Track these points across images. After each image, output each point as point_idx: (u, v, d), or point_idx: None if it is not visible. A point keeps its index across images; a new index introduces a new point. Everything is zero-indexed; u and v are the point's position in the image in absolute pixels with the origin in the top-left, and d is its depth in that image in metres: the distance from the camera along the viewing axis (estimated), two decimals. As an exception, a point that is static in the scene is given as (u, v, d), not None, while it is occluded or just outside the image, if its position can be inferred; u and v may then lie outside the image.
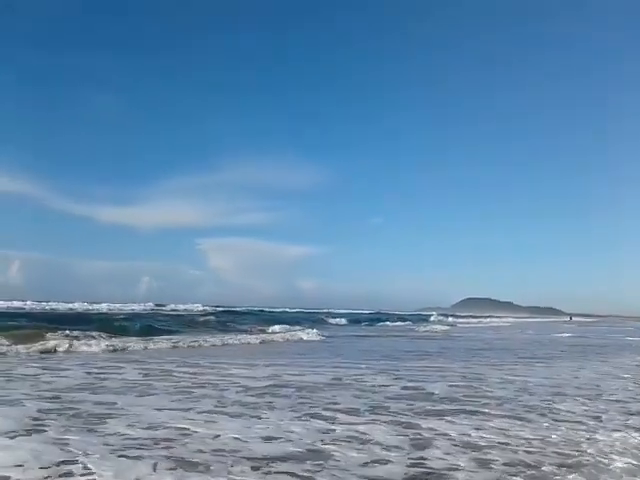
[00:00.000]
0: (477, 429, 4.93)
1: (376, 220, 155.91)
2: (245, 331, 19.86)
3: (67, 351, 11.54)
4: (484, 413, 5.70)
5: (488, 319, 63.04)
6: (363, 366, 9.80)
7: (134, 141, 66.56)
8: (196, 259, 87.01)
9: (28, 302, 40.35)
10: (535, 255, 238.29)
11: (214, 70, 67.53)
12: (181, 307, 40.83)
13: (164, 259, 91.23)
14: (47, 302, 42.28)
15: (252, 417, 5.24)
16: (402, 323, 37.97)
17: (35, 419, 4.89)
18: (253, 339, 16.36)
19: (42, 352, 11.04)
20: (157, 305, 43.45)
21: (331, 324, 32.26)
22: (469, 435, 4.73)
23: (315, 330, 20.04)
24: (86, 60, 60.34)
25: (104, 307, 37.81)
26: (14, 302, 38.32)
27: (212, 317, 26.58)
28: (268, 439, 4.43)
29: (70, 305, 39.94)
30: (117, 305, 40.89)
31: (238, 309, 46.15)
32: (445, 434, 4.73)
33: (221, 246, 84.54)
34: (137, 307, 39.95)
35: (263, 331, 20.16)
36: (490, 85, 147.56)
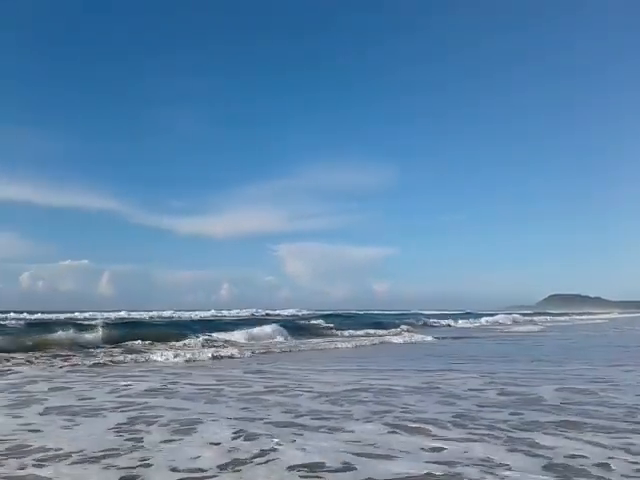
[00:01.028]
0: (624, 449, 4.11)
1: (451, 218, 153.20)
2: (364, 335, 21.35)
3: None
4: (616, 429, 4.82)
5: (581, 316, 61.02)
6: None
7: (207, 153, 71.02)
8: (272, 265, 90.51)
9: (122, 312, 41.14)
10: (623, 248, 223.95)
11: (279, 75, 70.19)
12: (278, 312, 43.10)
13: (241, 266, 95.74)
14: (137, 311, 42.96)
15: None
16: (495, 323, 38.25)
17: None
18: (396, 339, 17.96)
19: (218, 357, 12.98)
20: (247, 310, 45.38)
21: (434, 325, 32.99)
22: (613, 458, 3.92)
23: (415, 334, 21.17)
24: (164, 75, 64.64)
25: (208, 314, 40.10)
26: (120, 312, 39.47)
27: (321, 321, 28.00)
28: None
29: (164, 313, 40.54)
30: (223, 312, 43.32)
31: (326, 312, 47.72)
32: (581, 456, 3.98)
33: (295, 251, 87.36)
34: (230, 313, 42.23)
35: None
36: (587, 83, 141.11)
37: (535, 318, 48.22)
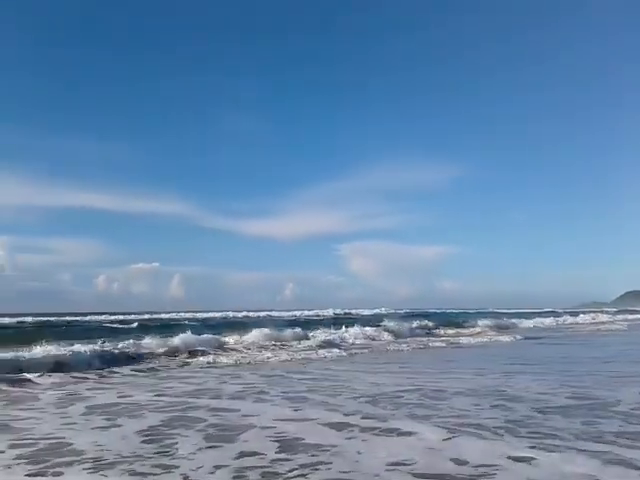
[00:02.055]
0: None
1: (518, 215, 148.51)
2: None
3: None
4: None
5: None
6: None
7: (270, 156, 73.29)
8: (335, 265, 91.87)
9: (198, 313, 42.11)
10: None
11: (341, 75, 71.16)
12: (358, 312, 44.45)
13: (305, 266, 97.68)
14: (206, 312, 44.79)
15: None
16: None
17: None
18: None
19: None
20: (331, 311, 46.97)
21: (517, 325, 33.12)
22: None
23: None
24: (223, 79, 67.27)
25: (286, 315, 41.18)
26: (185, 313, 40.91)
27: (426, 321, 28.14)
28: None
29: (238, 314, 41.92)
30: (301, 312, 44.81)
31: (402, 310, 48.44)
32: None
33: (358, 251, 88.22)
34: (310, 313, 43.36)
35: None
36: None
37: (617, 317, 46.94)
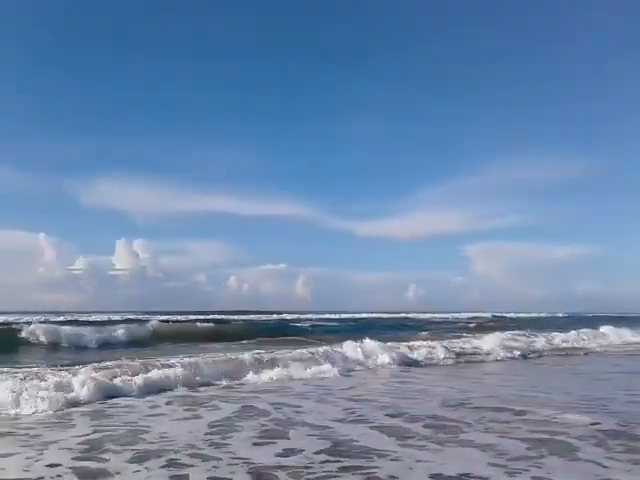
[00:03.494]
0: None
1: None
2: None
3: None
4: None
5: None
6: None
7: (389, 155, 72.78)
8: (459, 266, 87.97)
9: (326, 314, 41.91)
10: None
11: (461, 68, 68.57)
12: (512, 315, 43.03)
13: (427, 267, 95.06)
14: (329, 313, 44.88)
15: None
16: None
17: None
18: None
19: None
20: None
21: None
22: None
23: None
24: (343, 81, 68.06)
25: (428, 316, 40.98)
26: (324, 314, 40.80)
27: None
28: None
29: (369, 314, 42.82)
30: (451, 315, 44.23)
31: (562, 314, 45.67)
32: None
33: (484, 251, 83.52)
34: (460, 316, 42.54)
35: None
36: None
37: None
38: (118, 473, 4.22)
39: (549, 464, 4.34)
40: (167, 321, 23.83)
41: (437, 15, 64.30)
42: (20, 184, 62.57)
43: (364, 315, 42.09)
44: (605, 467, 4.26)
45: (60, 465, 4.44)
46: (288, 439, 5.31)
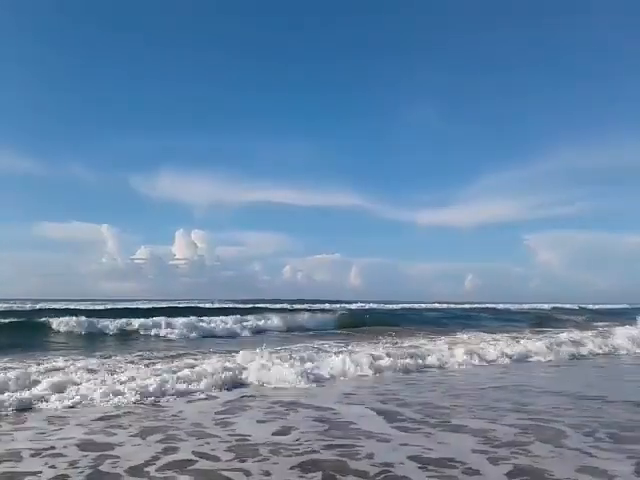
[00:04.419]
0: None
1: None
2: None
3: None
4: None
5: None
6: None
7: (448, 144, 71.24)
8: (520, 255, 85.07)
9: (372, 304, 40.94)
10: None
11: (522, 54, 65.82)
12: (591, 306, 42.04)
13: (487, 257, 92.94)
14: (388, 303, 44.58)
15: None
16: None
17: None
18: None
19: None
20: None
21: None
22: None
23: None
24: (402, 71, 67.27)
25: (500, 306, 40.92)
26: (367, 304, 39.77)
27: None
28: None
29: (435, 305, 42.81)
30: (524, 306, 44.00)
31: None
32: None
33: (547, 240, 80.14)
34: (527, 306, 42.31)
35: None
36: None
37: None
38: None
39: None
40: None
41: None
42: (87, 179, 67.86)
43: (428, 305, 42.17)
44: None
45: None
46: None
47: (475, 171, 79.18)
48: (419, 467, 4.26)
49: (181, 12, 63.47)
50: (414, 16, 63.38)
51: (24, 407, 6.37)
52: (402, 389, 8.02)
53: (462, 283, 75.67)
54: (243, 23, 64.52)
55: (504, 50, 64.22)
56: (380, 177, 78.16)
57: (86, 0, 59.61)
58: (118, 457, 4.54)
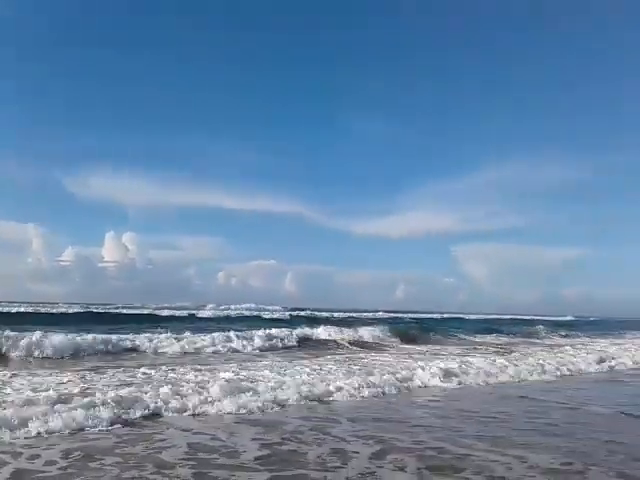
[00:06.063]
0: None
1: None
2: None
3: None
4: None
5: None
6: None
7: (382, 155, 72.64)
8: (450, 266, 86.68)
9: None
10: None
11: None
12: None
13: (418, 267, 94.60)
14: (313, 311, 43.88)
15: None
16: None
17: None
18: None
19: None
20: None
21: None
22: None
23: None
24: (351, 80, 68.08)
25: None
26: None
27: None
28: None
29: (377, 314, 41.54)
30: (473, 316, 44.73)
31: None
32: None
33: (474, 252, 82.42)
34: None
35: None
36: None
37: None
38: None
39: None
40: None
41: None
42: (12, 176, 64.98)
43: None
44: None
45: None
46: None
47: (411, 182, 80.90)
48: None
49: (117, 11, 62.46)
50: (360, 29, 64.43)
51: None
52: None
53: (393, 292, 76.53)
54: (179, 24, 62.90)
55: (444, 63, 66.19)
56: (319, 185, 78.47)
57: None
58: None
